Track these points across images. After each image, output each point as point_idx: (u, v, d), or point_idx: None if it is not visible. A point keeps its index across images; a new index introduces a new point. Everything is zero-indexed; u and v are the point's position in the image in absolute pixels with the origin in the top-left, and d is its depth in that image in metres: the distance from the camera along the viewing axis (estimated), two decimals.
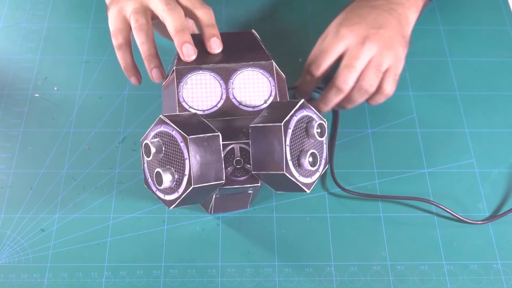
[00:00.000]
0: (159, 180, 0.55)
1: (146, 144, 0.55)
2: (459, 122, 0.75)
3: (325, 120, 0.58)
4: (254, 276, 0.63)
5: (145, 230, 0.66)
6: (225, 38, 0.63)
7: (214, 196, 0.62)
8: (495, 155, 0.73)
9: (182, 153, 0.54)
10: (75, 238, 0.65)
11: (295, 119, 0.56)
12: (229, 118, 0.60)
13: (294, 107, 0.56)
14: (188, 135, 0.54)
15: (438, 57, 0.81)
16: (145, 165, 0.58)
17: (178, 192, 0.55)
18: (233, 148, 0.58)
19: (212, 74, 0.60)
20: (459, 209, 0.68)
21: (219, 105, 0.60)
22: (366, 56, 0.66)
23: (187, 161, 0.54)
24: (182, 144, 0.54)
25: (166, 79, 0.62)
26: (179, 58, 0.61)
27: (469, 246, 0.66)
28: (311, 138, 0.57)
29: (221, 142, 0.56)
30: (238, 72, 0.60)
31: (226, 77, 0.60)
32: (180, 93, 0.59)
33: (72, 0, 0.86)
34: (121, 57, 0.65)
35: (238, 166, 0.58)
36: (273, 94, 0.60)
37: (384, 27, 0.68)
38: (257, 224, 0.67)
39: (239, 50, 0.62)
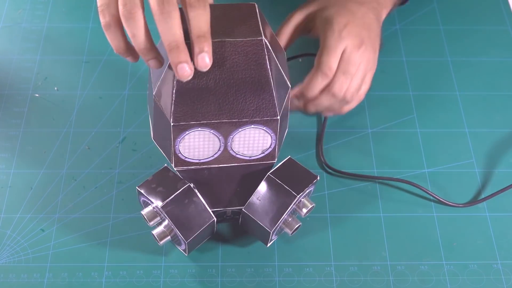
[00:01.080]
0: (155, 239, 0.60)
1: (143, 216, 0.60)
2: (459, 122, 0.75)
3: (316, 178, 0.61)
4: (254, 276, 0.63)
5: (145, 230, 0.66)
6: (228, 49, 0.55)
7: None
8: (495, 155, 0.73)
9: (180, 240, 0.60)
10: (75, 238, 0.65)
11: (284, 216, 0.59)
12: (224, 166, 0.59)
13: (288, 206, 0.59)
14: (187, 239, 0.58)
15: (438, 57, 0.81)
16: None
17: (180, 247, 0.63)
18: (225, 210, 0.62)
19: (211, 131, 0.56)
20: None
21: (215, 156, 0.58)
22: (359, 61, 0.66)
23: (183, 245, 0.60)
24: (181, 238, 0.59)
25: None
26: (176, 102, 0.55)
27: (469, 246, 0.66)
28: (296, 214, 0.63)
29: (215, 224, 0.61)
30: (240, 129, 0.56)
31: (226, 133, 0.56)
32: (176, 146, 0.57)
33: (72, 0, 0.86)
34: (111, 39, 0.54)
35: (228, 217, 0.63)
36: (272, 146, 0.59)
37: (371, 29, 0.68)
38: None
39: (244, 89, 0.55)
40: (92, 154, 0.71)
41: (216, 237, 0.66)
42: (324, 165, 0.71)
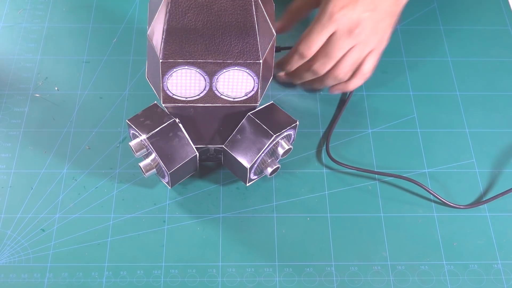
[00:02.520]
0: (142, 171, 0.64)
1: (130, 146, 0.63)
2: (459, 122, 0.75)
3: (296, 123, 0.64)
4: (254, 276, 0.63)
5: (145, 230, 0.66)
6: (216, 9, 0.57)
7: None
8: (495, 155, 0.73)
9: (163, 170, 0.63)
10: (75, 238, 0.65)
11: (262, 155, 0.63)
12: (210, 105, 0.63)
13: (265, 145, 0.62)
14: (169, 170, 0.62)
15: (438, 57, 0.81)
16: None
17: (164, 179, 0.67)
18: (208, 148, 0.65)
19: (197, 70, 0.60)
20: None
21: (201, 95, 0.62)
22: (349, 45, 0.66)
23: (166, 177, 0.64)
24: (164, 169, 0.62)
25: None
26: (166, 40, 0.58)
27: (469, 246, 0.66)
28: (275, 155, 0.66)
29: (197, 158, 0.65)
30: (224, 70, 0.60)
31: (211, 73, 0.60)
32: (164, 83, 0.61)
33: (72, 0, 0.86)
34: None
35: (211, 156, 0.68)
36: (255, 89, 0.62)
37: (378, 8, 0.66)
38: (257, 224, 0.67)
39: (230, 32, 0.58)
40: (92, 154, 0.71)
41: (216, 237, 0.66)
42: (329, 159, 0.71)
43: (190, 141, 0.63)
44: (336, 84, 0.72)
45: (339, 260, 0.65)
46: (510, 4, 0.87)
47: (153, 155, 0.63)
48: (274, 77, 0.75)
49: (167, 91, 0.62)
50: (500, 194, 0.68)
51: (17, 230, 0.66)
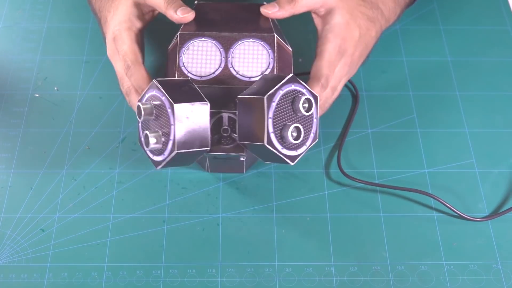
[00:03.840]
0: (146, 141, 0.58)
1: (138, 106, 0.59)
2: (459, 122, 0.75)
3: (316, 95, 0.60)
4: (254, 276, 0.63)
5: (145, 230, 0.66)
6: (234, 8, 0.66)
7: (207, 158, 0.65)
8: (495, 155, 0.73)
9: (169, 118, 0.57)
10: (75, 238, 0.65)
11: (280, 93, 0.57)
12: (224, 86, 0.62)
13: (281, 80, 0.58)
14: (175, 102, 0.56)
15: (438, 57, 0.81)
16: (139, 124, 0.61)
17: (164, 154, 0.58)
18: (221, 116, 0.62)
19: (213, 42, 0.62)
20: (459, 209, 0.68)
21: (216, 73, 0.63)
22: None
23: (172, 127, 0.57)
24: (169, 110, 0.57)
25: (171, 43, 0.65)
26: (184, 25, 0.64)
27: (469, 246, 0.66)
28: (298, 113, 0.58)
29: (209, 111, 0.58)
30: (239, 42, 0.62)
31: (226, 46, 0.62)
32: (181, 57, 0.62)
33: (72, 0, 0.86)
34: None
35: (225, 135, 0.62)
36: (271, 66, 0.63)
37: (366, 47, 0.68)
38: (257, 224, 0.67)
39: (244, 20, 0.65)
40: (92, 154, 0.71)
41: (216, 237, 0.66)
42: (340, 172, 0.70)
43: (203, 95, 0.58)
44: None
45: (338, 260, 0.65)
46: (510, 4, 0.87)
47: (159, 133, 0.58)
48: None
49: (182, 67, 0.62)
50: None
51: (17, 230, 0.66)
